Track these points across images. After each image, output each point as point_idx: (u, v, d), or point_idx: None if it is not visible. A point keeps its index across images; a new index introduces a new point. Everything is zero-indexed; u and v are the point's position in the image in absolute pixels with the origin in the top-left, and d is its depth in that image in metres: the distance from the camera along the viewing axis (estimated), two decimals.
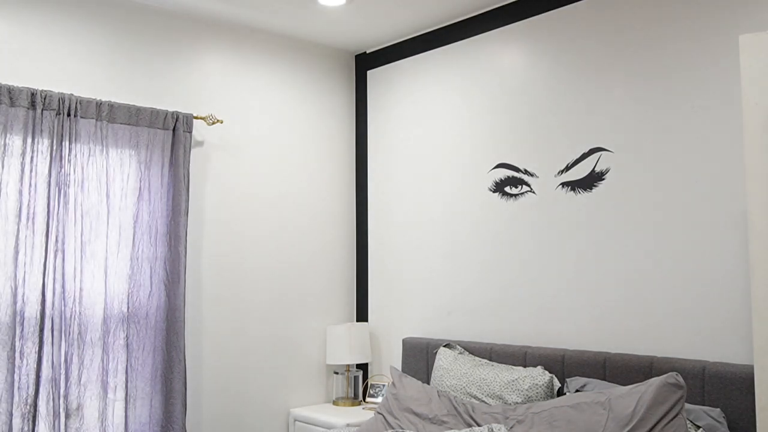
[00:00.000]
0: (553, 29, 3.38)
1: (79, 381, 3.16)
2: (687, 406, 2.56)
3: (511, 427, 2.69)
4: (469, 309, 3.67)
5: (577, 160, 3.23)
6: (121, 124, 3.37)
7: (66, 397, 3.12)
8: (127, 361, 3.31)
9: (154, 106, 3.54)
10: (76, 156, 3.22)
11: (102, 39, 3.45)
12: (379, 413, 3.17)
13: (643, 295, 2.96)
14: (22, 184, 3.07)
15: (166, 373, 3.42)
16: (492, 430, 2.58)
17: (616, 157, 3.09)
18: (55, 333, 3.11)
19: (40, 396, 3.05)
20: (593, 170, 3.17)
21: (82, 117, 3.25)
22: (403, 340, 3.85)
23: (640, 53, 3.03)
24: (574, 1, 3.29)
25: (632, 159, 3.03)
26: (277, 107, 4.09)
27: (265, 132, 4.02)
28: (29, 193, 3.08)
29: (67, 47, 3.35)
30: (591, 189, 3.17)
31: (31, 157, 3.09)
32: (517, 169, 3.49)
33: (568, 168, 3.27)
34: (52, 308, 3.10)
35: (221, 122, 3.75)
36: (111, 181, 3.33)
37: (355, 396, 4.09)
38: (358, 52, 4.44)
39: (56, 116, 3.16)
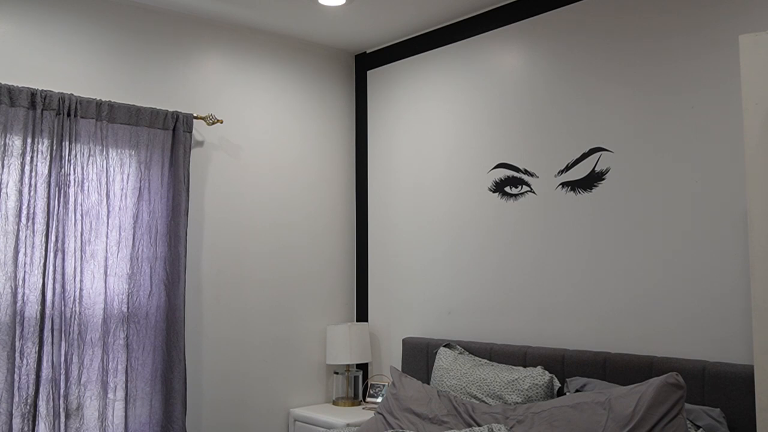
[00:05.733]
0: (553, 29, 3.38)
1: (79, 381, 3.16)
2: (687, 406, 2.56)
3: (511, 427, 2.69)
4: (469, 309, 3.67)
5: (577, 160, 3.23)
6: (121, 124, 3.37)
7: (66, 397, 3.12)
8: (127, 361, 3.31)
9: (154, 106, 3.54)
10: (76, 156, 3.22)
11: (102, 39, 3.45)
12: (379, 413, 3.17)
13: (643, 295, 2.96)
14: (22, 184, 3.07)
15: (166, 373, 3.42)
16: (492, 430, 2.58)
17: (616, 157, 3.09)
18: (55, 333, 3.11)
19: (40, 396, 3.05)
20: (593, 170, 3.17)
21: (82, 117, 3.25)
22: (403, 340, 3.85)
23: (639, 53, 3.03)
24: (574, 1, 3.29)
25: (632, 159, 3.03)
26: (277, 107, 4.09)
27: (265, 132, 4.02)
28: (29, 193, 3.08)
29: (68, 47, 3.35)
30: (591, 189, 3.17)
31: (31, 157, 3.09)
32: (517, 169, 3.48)
33: (568, 168, 3.27)
34: (52, 308, 3.10)
35: (221, 122, 3.75)
36: (111, 181, 3.33)
37: (355, 396, 4.09)
38: (358, 52, 4.44)
39: (56, 116, 3.16)
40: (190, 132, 3.61)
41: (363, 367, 4.23)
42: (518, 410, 2.78)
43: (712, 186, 2.78)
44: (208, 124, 3.71)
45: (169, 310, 3.45)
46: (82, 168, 3.24)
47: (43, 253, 3.08)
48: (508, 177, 3.52)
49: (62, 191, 3.17)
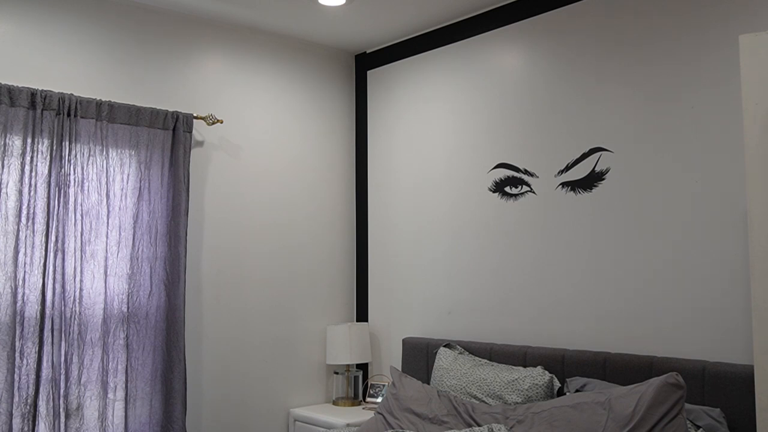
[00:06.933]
0: (553, 29, 3.38)
1: (79, 381, 3.16)
2: (687, 406, 2.56)
3: (511, 427, 2.69)
4: (469, 309, 3.67)
5: (577, 160, 3.23)
6: (121, 124, 3.37)
7: (66, 397, 3.12)
8: (127, 361, 3.31)
9: (154, 106, 3.54)
10: (76, 156, 3.22)
11: (102, 39, 3.45)
12: (379, 413, 3.17)
13: (643, 295, 2.96)
14: (22, 184, 3.07)
15: (166, 373, 3.42)
16: (492, 430, 2.58)
17: (616, 157, 3.09)
18: (55, 333, 3.11)
19: (40, 396, 3.05)
20: (593, 170, 3.17)
21: (82, 117, 3.25)
22: (403, 340, 3.85)
23: (639, 53, 3.03)
24: (574, 1, 3.29)
25: (632, 159, 3.03)
26: (277, 107, 4.09)
27: (265, 132, 4.02)
28: (29, 193, 3.08)
29: (68, 47, 3.35)
30: (591, 189, 3.17)
31: (31, 157, 3.09)
32: (517, 169, 3.49)
33: (568, 168, 3.27)
34: (52, 308, 3.10)
35: (221, 122, 3.75)
36: (111, 181, 3.33)
37: (355, 396, 4.09)
38: (358, 52, 4.44)
39: (56, 116, 3.16)
40: (190, 132, 3.61)
41: (363, 367, 4.23)
42: (518, 410, 2.78)
43: (712, 186, 2.78)
44: (208, 124, 3.71)
45: (169, 310, 3.45)
46: (82, 168, 3.24)
47: (43, 253, 3.08)
48: (508, 177, 3.52)
49: (62, 191, 3.17)
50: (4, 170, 3.04)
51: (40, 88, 3.16)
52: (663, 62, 2.95)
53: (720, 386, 2.59)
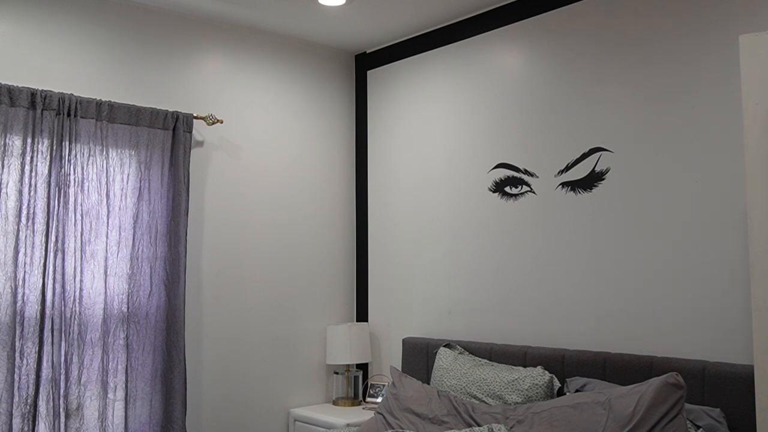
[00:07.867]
0: (553, 29, 3.38)
1: (79, 381, 3.16)
2: (687, 406, 2.56)
3: (511, 427, 2.69)
4: (469, 309, 3.67)
5: (577, 160, 3.23)
6: (121, 124, 3.38)
7: (66, 397, 3.12)
8: (127, 361, 3.31)
9: (154, 106, 3.54)
10: (76, 156, 3.22)
11: (102, 39, 3.46)
12: (379, 413, 3.17)
13: (643, 295, 2.96)
14: (22, 184, 3.07)
15: (166, 373, 3.42)
16: (492, 430, 2.58)
17: (616, 157, 3.09)
18: (55, 333, 3.11)
19: (40, 396, 3.05)
20: (593, 170, 3.17)
21: (82, 117, 3.25)
22: (403, 340, 3.85)
23: (639, 53, 3.03)
24: (574, 1, 3.29)
25: (632, 159, 3.03)
26: (277, 107, 4.09)
27: (265, 132, 4.02)
28: (29, 193, 3.08)
29: (68, 47, 3.35)
30: (591, 189, 3.17)
31: (31, 157, 3.09)
32: (517, 169, 3.49)
33: (568, 168, 3.27)
34: (52, 308, 3.10)
35: (221, 122, 3.75)
36: (111, 181, 3.33)
37: (355, 396, 4.09)
38: (358, 52, 4.44)
39: (56, 116, 3.16)
40: (190, 132, 3.61)
41: (363, 367, 4.23)
42: (518, 410, 2.78)
43: (712, 186, 2.78)
44: (208, 124, 3.71)
45: (169, 310, 3.45)
46: (82, 168, 3.24)
47: (43, 253, 3.08)
48: (508, 177, 3.52)
49: (62, 191, 3.17)
50: (4, 170, 3.04)
51: (40, 88, 3.16)
52: (663, 62, 2.95)
53: (720, 386, 2.59)
